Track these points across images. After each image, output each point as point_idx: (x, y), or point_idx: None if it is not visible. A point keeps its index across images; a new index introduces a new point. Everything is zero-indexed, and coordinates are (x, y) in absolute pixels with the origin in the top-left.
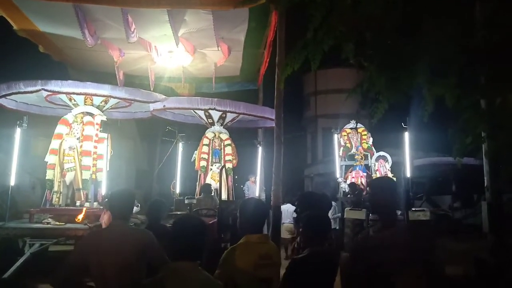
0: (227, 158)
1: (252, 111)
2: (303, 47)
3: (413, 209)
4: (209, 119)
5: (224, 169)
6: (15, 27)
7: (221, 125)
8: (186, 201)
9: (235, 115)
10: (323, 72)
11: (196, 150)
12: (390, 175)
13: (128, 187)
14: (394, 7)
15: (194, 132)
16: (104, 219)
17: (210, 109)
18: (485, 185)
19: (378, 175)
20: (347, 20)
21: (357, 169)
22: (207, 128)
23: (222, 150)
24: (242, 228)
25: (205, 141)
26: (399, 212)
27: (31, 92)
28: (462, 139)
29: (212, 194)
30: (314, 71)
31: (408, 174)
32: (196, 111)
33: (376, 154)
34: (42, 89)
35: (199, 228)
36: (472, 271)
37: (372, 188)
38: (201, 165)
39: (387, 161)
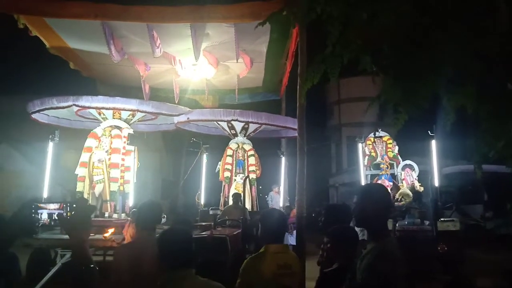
0: (251, 168)
1: (274, 121)
2: (321, 62)
3: (442, 219)
4: (232, 130)
5: (247, 179)
6: (47, 45)
7: (244, 136)
8: (210, 212)
9: (257, 125)
10: (346, 80)
11: (220, 161)
12: (417, 184)
13: (155, 199)
14: (407, 15)
15: (218, 143)
16: (129, 232)
17: (232, 120)
18: None
19: (405, 185)
20: (363, 34)
21: (383, 178)
22: (231, 139)
23: (246, 161)
24: (262, 238)
25: (229, 152)
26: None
27: (64, 107)
28: (482, 150)
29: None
30: (337, 80)
31: (436, 183)
32: (219, 122)
33: (402, 163)
34: (74, 104)
35: (185, 237)
36: (504, 283)
37: (360, 195)
38: (225, 175)
39: (413, 170)
